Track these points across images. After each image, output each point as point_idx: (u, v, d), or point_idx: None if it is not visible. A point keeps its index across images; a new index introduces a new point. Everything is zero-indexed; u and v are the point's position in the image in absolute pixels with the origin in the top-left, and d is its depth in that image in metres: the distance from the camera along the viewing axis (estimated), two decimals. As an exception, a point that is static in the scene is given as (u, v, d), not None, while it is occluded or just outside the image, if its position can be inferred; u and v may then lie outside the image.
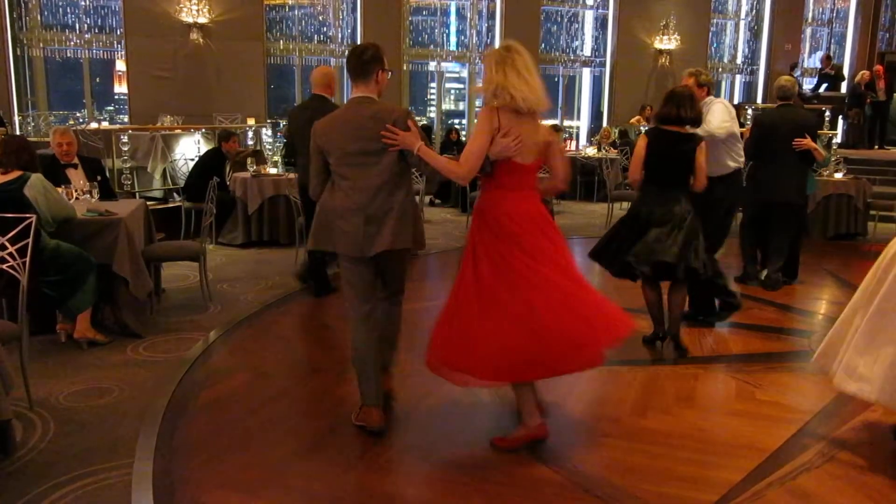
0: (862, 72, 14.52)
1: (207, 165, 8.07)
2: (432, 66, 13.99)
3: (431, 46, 13.85)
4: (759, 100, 16.51)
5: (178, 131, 10.19)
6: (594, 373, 3.94)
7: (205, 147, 9.96)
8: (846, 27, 17.64)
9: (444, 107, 15.33)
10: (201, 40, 11.26)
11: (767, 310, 5.87)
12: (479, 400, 3.90)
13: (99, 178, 5.82)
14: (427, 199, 10.34)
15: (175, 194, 9.33)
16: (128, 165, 9.47)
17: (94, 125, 10.43)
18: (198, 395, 3.95)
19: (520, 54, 3.22)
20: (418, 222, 3.53)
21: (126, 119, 11.67)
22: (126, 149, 9.47)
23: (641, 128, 13.83)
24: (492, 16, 13.92)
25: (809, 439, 3.51)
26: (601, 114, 15.20)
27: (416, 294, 6.45)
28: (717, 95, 14.87)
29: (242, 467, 3.15)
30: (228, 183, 8.11)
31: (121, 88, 12.59)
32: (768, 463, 3.24)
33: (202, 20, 11.18)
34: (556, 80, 14.78)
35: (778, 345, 5.05)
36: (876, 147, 14.14)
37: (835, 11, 17.70)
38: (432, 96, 14.81)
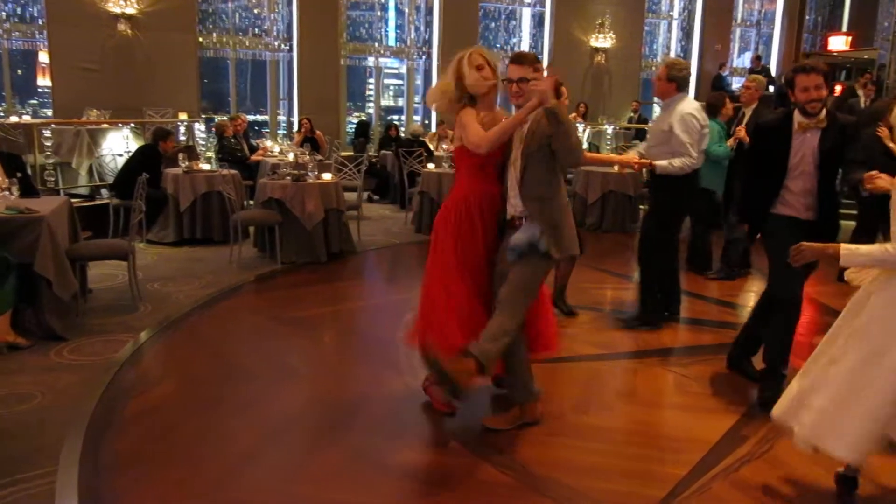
0: (787, 72, 14.96)
1: (141, 164, 7.80)
2: (370, 61, 13.86)
3: (369, 41, 13.72)
4: (690, 97, 16.85)
5: (105, 126, 9.83)
6: (535, 369, 3.92)
7: (134, 142, 9.64)
8: (773, 28, 18.19)
9: (383, 103, 15.21)
10: (129, 31, 10.88)
11: (696, 303, 5.99)
12: (422, 401, 3.85)
13: (19, 174, 5.57)
14: (365, 195, 10.22)
15: (103, 191, 9.00)
16: (51, 161, 9.07)
17: (14, 119, 9.97)
18: (126, 405, 3.77)
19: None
20: None
21: (50, 113, 11.19)
22: (49, 144, 9.08)
23: (578, 124, 13.99)
24: (430, 12, 13.85)
25: (747, 430, 3.58)
26: (538, 111, 15.30)
27: (353, 293, 6.39)
28: (647, 97, 15.23)
29: (178, 483, 2.99)
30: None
31: (44, 81, 12.07)
32: (711, 456, 3.29)
33: (130, 10, 10.80)
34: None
35: (708, 337, 5.17)
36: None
37: (762, 13, 18.23)
38: (370, 92, 14.67)
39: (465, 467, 3.19)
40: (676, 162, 4.84)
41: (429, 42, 14.02)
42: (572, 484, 3.02)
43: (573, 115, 14.03)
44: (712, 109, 6.49)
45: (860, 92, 11.98)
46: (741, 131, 6.36)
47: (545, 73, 3.38)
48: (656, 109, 12.92)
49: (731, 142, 6.37)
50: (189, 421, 3.58)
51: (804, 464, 3.22)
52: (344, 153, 11.21)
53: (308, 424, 3.62)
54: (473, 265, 3.47)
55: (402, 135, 12.21)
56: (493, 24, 14.76)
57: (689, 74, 5.11)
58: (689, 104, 4.99)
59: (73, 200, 5.74)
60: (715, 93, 8.98)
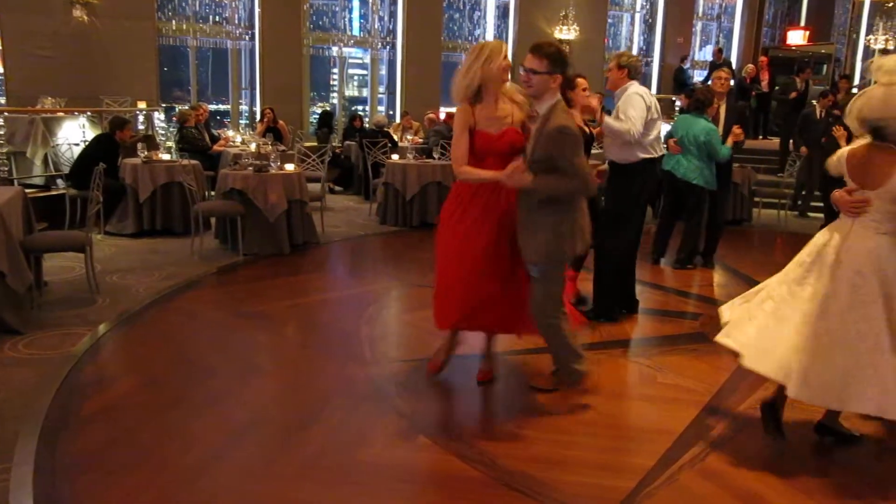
0: (748, 66, 15.20)
1: (97, 153, 7.63)
2: (334, 51, 13.72)
3: (333, 31, 13.58)
4: (653, 90, 17.05)
5: (61, 114, 9.59)
6: (501, 363, 3.94)
7: (90, 131, 9.42)
8: (733, 22, 18.44)
9: (347, 93, 15.08)
10: (85, 18, 10.61)
11: (656, 293, 6.06)
12: (386, 394, 3.83)
13: (-30, 163, 5.40)
14: (327, 185, 10.13)
15: (59, 181, 8.79)
16: (4, 150, 8.83)
17: (-34, 107, 9.69)
18: (83, 403, 3.65)
19: None
20: None
21: (3, 101, 10.88)
22: (2, 132, 8.83)
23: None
24: (394, 1, 13.76)
25: (712, 419, 3.63)
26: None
27: (317, 286, 6.33)
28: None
29: (139, 487, 2.89)
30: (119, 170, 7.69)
31: (-3, 68, 11.73)
32: (678, 446, 3.32)
33: (86, -3, 10.56)
34: (458, 67, 14.75)
35: (670, 328, 5.22)
36: (760, 137, 14.85)
37: (723, 7, 18.47)
38: (334, 82, 14.53)
39: (434, 462, 3.17)
40: (618, 124, 4.79)
41: (393, 32, 13.93)
42: (543, 477, 3.01)
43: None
44: (700, 106, 6.51)
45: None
46: (741, 133, 6.47)
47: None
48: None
49: (729, 141, 6.45)
50: (150, 420, 3.49)
51: (769, 453, 3.28)
52: (307, 143, 11.10)
53: (274, 422, 3.54)
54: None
55: (367, 125, 12.12)
56: (457, 15, 14.71)
57: (639, 63, 5.10)
58: (639, 88, 4.96)
59: (27, 191, 5.59)
60: (702, 88, 9.05)
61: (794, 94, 12.65)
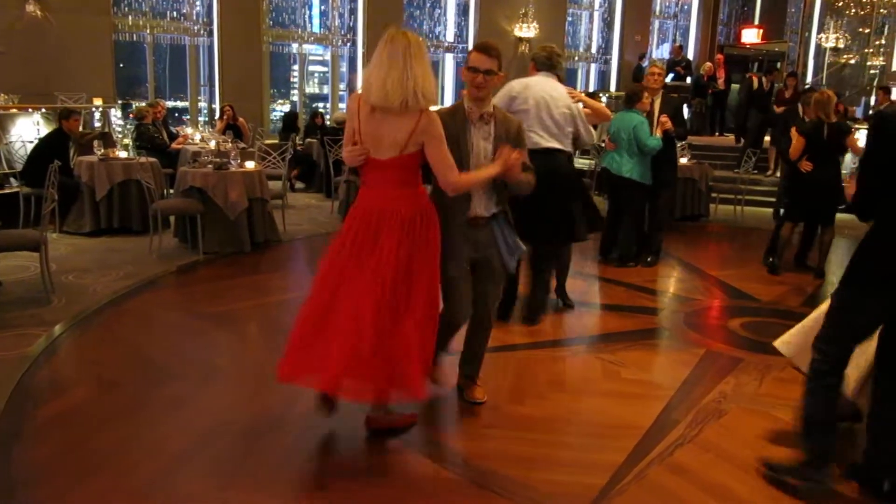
0: (705, 63, 15.46)
1: (49, 148, 7.48)
2: (294, 47, 13.62)
3: (293, 27, 13.47)
4: (612, 87, 17.26)
5: (14, 111, 9.38)
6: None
7: (45, 128, 9.21)
8: (690, 21, 18.74)
9: (308, 90, 14.98)
10: (39, 13, 10.38)
11: (617, 289, 6.14)
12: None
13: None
14: (288, 182, 10.07)
15: (12, 179, 8.59)
16: (-45, 148, 8.63)
17: (-87, 103, 9.41)
18: (38, 411, 3.53)
19: (385, 42, 3.02)
20: None
21: (-47, 97, 10.60)
22: (-47, 130, 8.63)
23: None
24: (354, -2, 13.72)
25: (677, 414, 3.67)
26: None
27: (278, 285, 6.28)
28: (572, 84, 15.48)
29: (102, 494, 2.81)
30: (73, 166, 7.56)
31: (-55, 63, 11.41)
32: (645, 441, 3.35)
33: (39, -9, 10.32)
34: (422, 65, 14.74)
35: (631, 323, 5.27)
36: (716, 134, 15.13)
37: (680, 6, 18.77)
38: (294, 79, 14.42)
39: (404, 464, 3.14)
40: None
41: (353, 29, 13.87)
42: (514, 476, 3.01)
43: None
44: (630, 100, 6.61)
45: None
46: (667, 122, 6.48)
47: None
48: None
49: (658, 132, 6.48)
50: (109, 427, 3.37)
51: (734, 446, 3.34)
52: (268, 141, 11.01)
53: (238, 427, 3.43)
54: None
55: (328, 123, 12.06)
56: (417, 12, 14.70)
57: (546, 55, 4.95)
58: (532, 79, 4.89)
59: (-21, 190, 5.47)
60: (634, 84, 9.17)
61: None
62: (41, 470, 3.00)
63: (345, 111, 13.47)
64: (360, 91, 3.12)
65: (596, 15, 17.25)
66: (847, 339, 2.90)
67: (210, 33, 12.37)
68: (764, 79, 12.63)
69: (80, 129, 8.34)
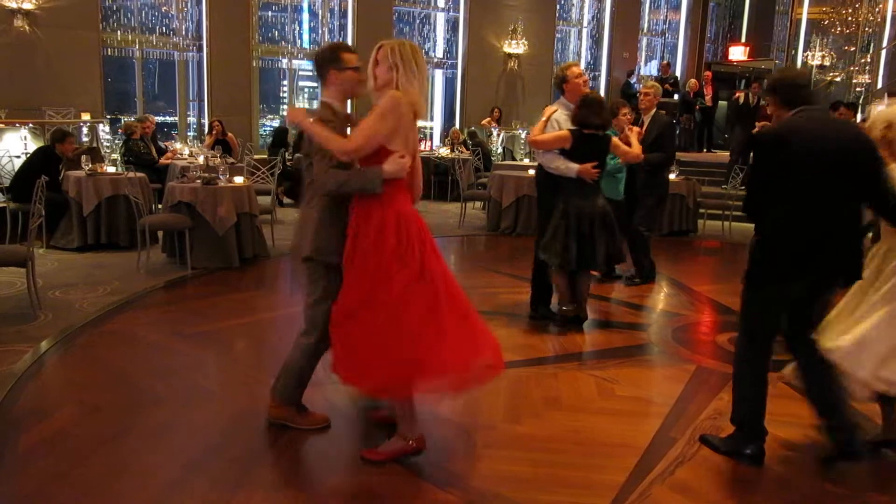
0: (691, 80, 15.59)
1: (37, 165, 7.45)
2: (284, 63, 13.64)
3: (282, 43, 13.50)
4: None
5: (2, 126, 9.36)
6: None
7: (33, 143, 9.21)
8: (678, 38, 18.90)
9: (298, 105, 14.99)
10: (27, 28, 10.36)
11: (604, 305, 6.14)
12: (346, 417, 3.75)
13: None
14: (277, 198, 10.05)
15: (-1, 194, 8.55)
16: (-58, 163, 8.57)
17: None
18: (21, 437, 3.38)
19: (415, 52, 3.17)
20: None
21: (-60, 112, 10.55)
22: (-61, 144, 8.58)
23: (492, 129, 14.16)
24: (344, 14, 13.74)
25: (675, 432, 3.65)
26: (454, 115, 15.42)
27: (267, 303, 6.24)
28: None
29: None
30: (61, 181, 7.52)
31: (-67, 78, 11.36)
32: (645, 460, 3.33)
33: (28, 6, 10.28)
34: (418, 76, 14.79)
35: (620, 339, 5.27)
36: (704, 150, 15.23)
37: (667, 23, 18.93)
38: (284, 94, 14.44)
39: (404, 486, 3.08)
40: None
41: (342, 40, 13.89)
42: (516, 497, 2.98)
43: (487, 119, 14.22)
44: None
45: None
46: (627, 122, 6.31)
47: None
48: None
49: (633, 139, 6.38)
50: (96, 453, 3.25)
51: (734, 463, 3.33)
52: (257, 156, 10.99)
53: (230, 451, 3.32)
54: None
55: (317, 138, 12.02)
56: (406, 29, 14.76)
57: None
58: None
59: (-35, 205, 5.43)
60: (615, 99, 9.19)
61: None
62: (27, 501, 2.89)
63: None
64: (401, 96, 3.08)
65: (585, 31, 17.36)
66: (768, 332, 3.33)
67: (199, 48, 12.38)
68: (751, 94, 12.74)
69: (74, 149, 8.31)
